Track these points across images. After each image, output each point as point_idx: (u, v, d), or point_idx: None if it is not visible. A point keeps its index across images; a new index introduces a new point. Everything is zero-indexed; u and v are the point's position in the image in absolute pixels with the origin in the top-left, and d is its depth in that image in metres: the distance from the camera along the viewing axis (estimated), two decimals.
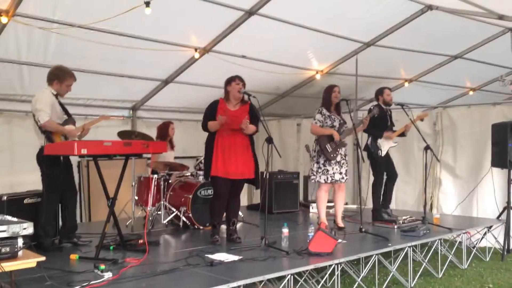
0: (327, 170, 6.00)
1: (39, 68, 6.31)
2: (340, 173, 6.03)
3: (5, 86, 6.69)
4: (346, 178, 6.10)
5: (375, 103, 6.93)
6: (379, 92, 6.78)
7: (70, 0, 5.43)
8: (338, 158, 6.02)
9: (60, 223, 5.21)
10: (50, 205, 4.96)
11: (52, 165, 4.83)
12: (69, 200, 5.21)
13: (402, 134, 6.83)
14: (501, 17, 7.06)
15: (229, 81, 5.35)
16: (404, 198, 8.45)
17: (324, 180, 6.01)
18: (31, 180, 6.40)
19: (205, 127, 5.33)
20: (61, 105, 5.15)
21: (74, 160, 5.79)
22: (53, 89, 5.03)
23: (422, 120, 6.88)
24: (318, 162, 6.06)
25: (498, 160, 6.81)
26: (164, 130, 7.21)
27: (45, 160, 4.83)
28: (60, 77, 5.02)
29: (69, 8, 5.52)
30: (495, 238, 6.79)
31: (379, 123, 6.48)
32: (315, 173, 6.07)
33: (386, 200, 6.84)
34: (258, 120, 5.34)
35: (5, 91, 6.78)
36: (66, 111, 5.18)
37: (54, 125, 4.88)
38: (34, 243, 4.77)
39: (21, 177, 6.75)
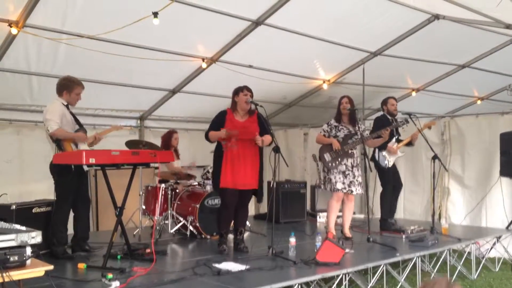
0: (330, 179, 6.02)
1: (48, 78, 6.36)
2: (343, 183, 5.99)
3: (15, 96, 6.76)
4: (351, 190, 6.01)
5: (380, 113, 6.93)
6: (384, 102, 6.79)
7: (79, 11, 5.48)
8: (342, 168, 6.01)
9: (73, 232, 5.25)
10: (61, 213, 5.01)
11: (64, 174, 4.89)
12: (81, 210, 5.25)
13: (410, 144, 6.80)
14: (508, 26, 7.04)
15: (237, 92, 5.37)
16: (412, 208, 8.40)
17: (329, 188, 6.03)
18: (40, 189, 6.47)
19: (207, 137, 5.34)
20: (73, 115, 5.22)
21: None
22: (63, 99, 5.15)
23: (429, 128, 6.85)
24: (324, 171, 6.13)
25: (507, 170, 6.77)
26: (167, 140, 7.25)
27: (56, 169, 4.89)
28: (68, 86, 5.14)
29: (78, 19, 5.57)
30: (505, 248, 6.72)
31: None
32: (321, 182, 6.19)
33: (392, 210, 6.81)
34: (270, 129, 5.34)
35: (15, 101, 6.84)
36: (77, 121, 5.25)
37: (63, 132, 4.96)
38: (46, 251, 4.84)
39: (30, 187, 6.80)
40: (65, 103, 5.15)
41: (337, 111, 6.19)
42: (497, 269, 6.49)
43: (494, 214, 7.36)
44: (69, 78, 5.20)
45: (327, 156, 6.00)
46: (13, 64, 6.09)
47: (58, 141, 4.98)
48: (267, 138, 5.29)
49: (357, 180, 6.05)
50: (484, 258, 6.50)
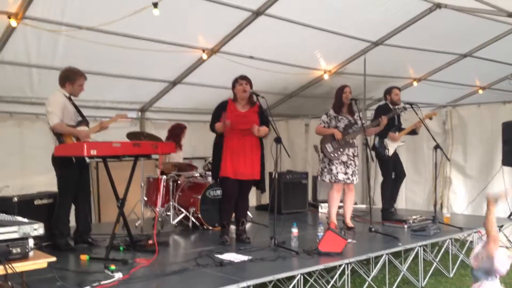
0: (331, 170, 6.00)
1: (48, 70, 6.34)
2: (345, 174, 5.99)
3: (15, 89, 6.74)
4: (353, 179, 6.04)
5: (382, 102, 6.91)
6: (388, 91, 6.78)
7: (78, 2, 5.45)
8: (344, 159, 6.00)
9: (75, 224, 5.26)
10: (63, 205, 5.02)
11: (65, 166, 4.88)
12: (82, 202, 5.25)
13: (414, 132, 6.78)
14: (510, 14, 6.99)
15: (233, 83, 5.36)
16: (414, 197, 8.41)
17: (329, 179, 6.03)
18: (41, 182, 6.47)
19: (212, 128, 5.33)
20: (75, 106, 5.19)
21: None
22: (65, 91, 5.11)
23: (431, 118, 6.84)
24: (323, 162, 6.10)
25: (509, 159, 6.76)
26: (178, 133, 7.24)
27: (58, 162, 4.88)
28: (71, 78, 5.09)
29: (77, 10, 5.54)
30: (507, 238, 6.73)
31: (386, 123, 6.45)
32: (320, 173, 6.15)
33: (392, 198, 6.81)
34: (268, 121, 5.33)
35: (15, 94, 6.83)
36: (80, 113, 5.22)
37: (64, 127, 4.93)
38: (49, 243, 4.85)
39: (31, 179, 6.80)
40: (68, 95, 5.11)
41: (338, 100, 6.14)
42: None
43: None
44: (72, 69, 5.15)
45: (328, 147, 5.99)
46: (12, 57, 6.06)
47: (58, 135, 4.96)
48: (263, 129, 5.28)
49: (357, 170, 6.07)
50: None
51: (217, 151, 5.33)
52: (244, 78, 5.31)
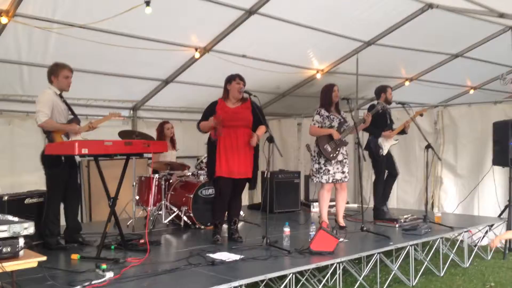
0: (328, 170, 5.97)
1: (39, 68, 6.30)
2: (342, 172, 6.01)
3: (6, 87, 6.69)
4: (347, 178, 6.08)
5: (376, 101, 6.92)
6: (382, 90, 6.73)
7: (70, 0, 5.42)
8: (340, 158, 6.00)
9: (64, 223, 5.22)
10: (52, 204, 4.98)
11: (54, 165, 4.84)
12: (71, 201, 5.22)
13: (403, 132, 6.81)
14: (501, 15, 7.06)
15: (229, 80, 5.33)
16: (405, 197, 8.44)
17: (326, 180, 5.99)
18: (31, 180, 6.43)
19: (198, 127, 5.32)
20: (67, 104, 5.15)
21: None
22: (54, 87, 5.04)
23: (421, 115, 6.87)
24: (319, 163, 6.03)
25: (499, 159, 6.80)
26: (161, 131, 7.22)
27: (47, 160, 4.84)
28: (54, 71, 5.03)
29: (69, 8, 5.51)
30: None
31: (379, 122, 6.47)
32: (316, 174, 6.07)
33: (385, 196, 6.84)
34: (264, 119, 5.32)
35: (6, 91, 6.78)
36: (71, 111, 5.18)
37: (53, 124, 4.88)
38: (39, 242, 4.81)
39: (21, 178, 6.76)
40: (58, 92, 5.06)
41: (327, 99, 6.09)
42: (489, 257, 6.54)
43: (486, 202, 7.41)
44: (55, 63, 5.09)
45: (327, 147, 5.94)
46: (3, 54, 6.02)
47: (48, 133, 4.92)
48: (261, 129, 5.27)
49: (348, 167, 6.09)
50: (477, 247, 6.54)
51: (211, 150, 5.31)
52: (242, 79, 5.30)
